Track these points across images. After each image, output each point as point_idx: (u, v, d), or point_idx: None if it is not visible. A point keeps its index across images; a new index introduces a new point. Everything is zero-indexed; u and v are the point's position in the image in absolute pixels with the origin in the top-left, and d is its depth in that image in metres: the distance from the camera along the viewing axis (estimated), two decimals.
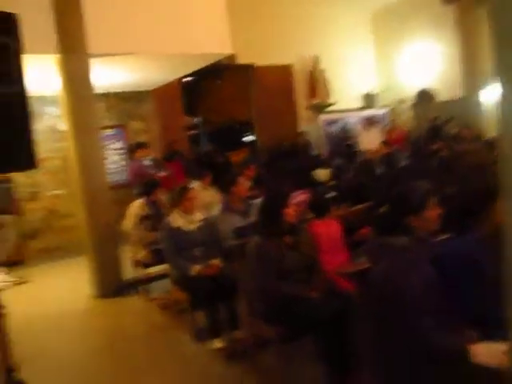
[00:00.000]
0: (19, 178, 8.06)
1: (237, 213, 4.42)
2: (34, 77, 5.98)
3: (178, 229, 4.20)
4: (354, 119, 12.14)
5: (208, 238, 4.28)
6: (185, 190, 4.30)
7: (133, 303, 5.40)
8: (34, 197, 8.25)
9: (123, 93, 9.03)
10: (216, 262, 4.14)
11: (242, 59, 11.36)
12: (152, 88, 9.29)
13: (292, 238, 3.24)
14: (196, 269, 4.03)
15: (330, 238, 3.55)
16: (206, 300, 3.95)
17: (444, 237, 2.88)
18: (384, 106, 12.61)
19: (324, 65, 12.07)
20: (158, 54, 6.35)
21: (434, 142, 9.43)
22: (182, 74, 8.44)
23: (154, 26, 6.10)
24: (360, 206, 4.21)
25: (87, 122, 5.53)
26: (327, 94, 12.31)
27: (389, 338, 2.16)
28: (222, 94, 19.38)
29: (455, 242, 2.33)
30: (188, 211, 4.26)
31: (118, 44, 5.80)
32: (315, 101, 12.22)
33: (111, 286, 5.68)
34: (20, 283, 6.78)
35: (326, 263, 3.39)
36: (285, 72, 11.94)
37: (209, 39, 6.62)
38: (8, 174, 7.87)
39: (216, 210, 4.51)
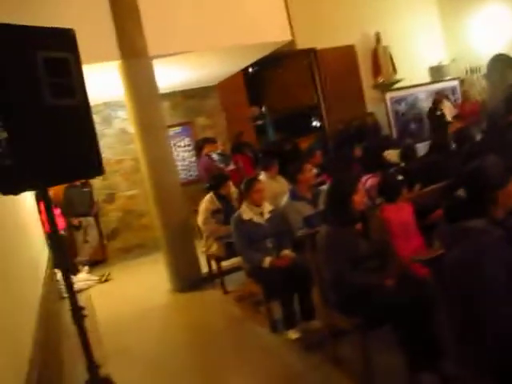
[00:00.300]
0: (96, 181, 8.46)
1: (305, 201, 4.35)
2: (100, 84, 6.24)
3: (249, 221, 4.20)
4: (423, 94, 11.60)
5: (278, 228, 4.25)
6: (252, 182, 4.29)
7: (209, 297, 5.50)
8: (110, 198, 8.63)
9: (188, 90, 9.18)
10: (288, 252, 4.11)
11: (302, 44, 11.18)
12: (216, 83, 9.38)
13: (363, 225, 3.14)
14: (268, 260, 4.02)
15: (402, 222, 3.39)
16: (280, 291, 3.94)
17: None
18: (454, 78, 11.94)
19: (387, 41, 11.61)
20: (216, 48, 6.36)
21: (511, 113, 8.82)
22: (243, 66, 8.45)
23: (209, 21, 6.10)
24: (433, 187, 3.97)
25: (153, 122, 5.66)
26: (393, 71, 11.85)
27: (474, 325, 2.03)
28: (285, 81, 19.26)
29: None
30: (257, 203, 4.25)
31: (177, 43, 5.87)
32: (381, 79, 11.81)
33: (188, 280, 5.82)
34: (103, 281, 7.13)
35: (399, 249, 3.25)
36: (347, 53, 11.62)
37: (267, 27, 6.55)
38: (86, 180, 8.30)
39: (285, 200, 4.45)
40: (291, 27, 10.73)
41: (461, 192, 2.39)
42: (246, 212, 4.24)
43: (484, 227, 2.01)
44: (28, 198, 5.56)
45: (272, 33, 6.57)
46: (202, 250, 5.64)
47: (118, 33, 5.54)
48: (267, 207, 4.32)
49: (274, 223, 4.24)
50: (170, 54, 5.96)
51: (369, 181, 4.67)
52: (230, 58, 7.23)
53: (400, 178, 3.66)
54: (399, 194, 3.51)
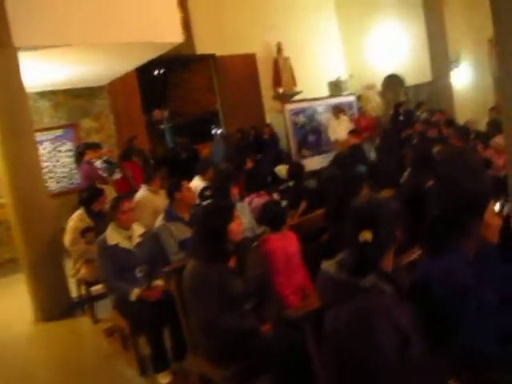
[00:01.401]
0: None
1: (182, 222, 3.89)
2: None
3: (115, 246, 3.64)
4: (321, 108, 11.66)
5: (150, 254, 3.75)
6: (119, 201, 3.72)
7: (77, 327, 4.83)
8: None
9: (73, 89, 8.35)
10: (159, 282, 3.62)
11: (203, 49, 10.79)
12: (106, 83, 8.64)
13: (237, 259, 2.74)
14: (135, 293, 3.50)
15: (287, 254, 3.02)
16: (148, 327, 3.43)
17: (414, 256, 2.44)
18: (352, 93, 12.17)
19: (289, 52, 11.56)
20: (96, 44, 5.71)
21: (403, 129, 9.07)
22: (133, 66, 7.82)
23: (91, 14, 5.46)
24: (318, 212, 3.69)
25: (16, 123, 4.89)
26: (293, 83, 11.82)
27: None
28: (188, 86, 18.77)
29: (441, 263, 1.87)
30: (124, 226, 3.70)
31: (50, 35, 5.16)
32: (281, 90, 11.72)
33: (54, 308, 5.10)
34: None
35: (280, 287, 2.89)
36: (248, 61, 11.39)
37: (156, 27, 6.00)
38: None
39: (159, 221, 3.96)
40: (187, 30, 10.34)
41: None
42: (112, 236, 3.67)
43: (374, 284, 1.69)
44: None
45: (162, 33, 6.05)
46: (70, 274, 4.96)
47: None
48: (137, 230, 3.78)
49: (144, 248, 3.73)
50: (41, 47, 5.22)
51: (254, 200, 4.31)
52: (117, 56, 6.60)
53: (284, 203, 3.26)
54: (284, 222, 3.16)
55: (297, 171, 5.06)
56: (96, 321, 4.79)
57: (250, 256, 2.76)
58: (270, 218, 3.17)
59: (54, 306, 5.12)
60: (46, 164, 8.06)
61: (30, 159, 5.05)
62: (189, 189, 4.02)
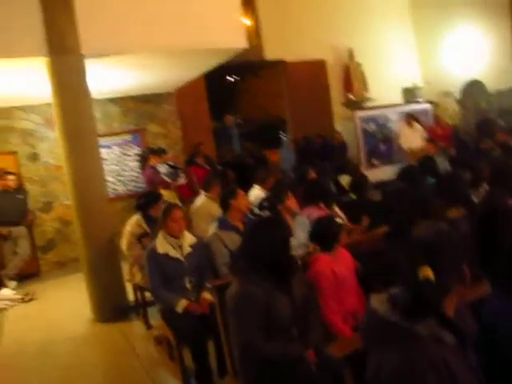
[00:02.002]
0: (32, 188, 7.73)
1: (235, 231, 3.74)
2: (44, 82, 5.54)
3: (164, 255, 3.56)
4: (394, 115, 11.17)
5: (199, 264, 3.64)
6: (170, 208, 3.64)
7: (130, 332, 4.83)
8: (47, 207, 7.89)
9: (141, 96, 8.52)
10: (207, 296, 3.47)
11: (273, 54, 10.69)
12: (173, 89, 8.76)
13: (286, 278, 2.51)
14: (182, 305, 3.39)
15: (338, 276, 2.76)
16: (192, 342, 3.31)
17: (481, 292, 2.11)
18: (427, 101, 11.56)
19: (360, 58, 11.18)
20: (160, 51, 5.75)
21: (483, 139, 8.43)
22: (199, 72, 7.82)
23: (157, 22, 5.51)
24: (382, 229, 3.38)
25: (80, 127, 4.99)
26: (364, 89, 11.42)
27: None
28: (257, 92, 18.81)
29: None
30: (175, 234, 3.61)
31: (115, 43, 5.24)
32: (351, 97, 11.36)
33: (111, 309, 5.16)
34: (26, 301, 6.39)
35: (328, 312, 2.64)
36: (318, 67, 11.15)
37: (219, 33, 5.94)
38: (20, 184, 7.57)
39: (212, 229, 3.84)
40: (256, 36, 10.29)
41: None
42: (162, 244, 3.60)
43: (432, 331, 1.41)
44: None
45: (227, 39, 5.98)
46: (127, 279, 4.98)
47: (46, 25, 4.88)
48: (188, 239, 3.68)
49: (194, 258, 3.62)
50: (106, 54, 5.31)
51: (313, 214, 4.07)
52: (182, 62, 6.62)
53: (340, 220, 2.99)
54: (336, 241, 2.90)
55: (360, 183, 4.72)
56: (149, 327, 4.76)
57: (298, 275, 2.52)
58: (320, 235, 2.95)
59: (111, 307, 5.18)
60: (114, 167, 8.29)
61: (93, 164, 5.15)
62: (244, 196, 3.88)
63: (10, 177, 7.12)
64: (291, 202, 3.93)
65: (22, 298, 6.44)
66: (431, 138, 8.93)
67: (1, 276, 7.07)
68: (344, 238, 2.96)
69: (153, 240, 4.01)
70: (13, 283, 7.03)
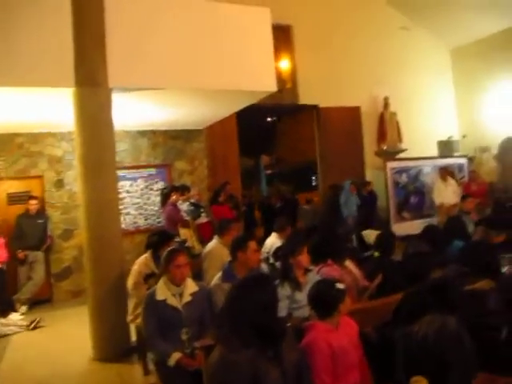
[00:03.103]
0: (54, 214, 7.75)
1: None
2: (51, 110, 5.63)
3: (162, 302, 3.37)
4: (428, 168, 10.86)
5: (199, 315, 3.43)
6: (173, 253, 3.46)
7: (128, 376, 4.61)
8: (68, 234, 7.86)
9: (172, 131, 8.56)
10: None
11: (308, 99, 10.66)
12: (203, 127, 8.77)
13: (274, 344, 2.27)
14: (175, 358, 3.17)
15: (336, 349, 2.44)
16: None
17: None
18: (463, 155, 11.22)
19: (396, 107, 11.02)
20: (193, 89, 5.73)
21: None
22: (229, 112, 7.81)
23: (188, 60, 5.53)
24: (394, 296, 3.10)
25: (100, 159, 4.95)
26: (398, 139, 11.20)
27: None
28: (293, 134, 18.86)
29: None
30: (177, 281, 3.42)
31: (143, 78, 5.26)
32: (384, 146, 11.14)
33: (112, 349, 4.97)
34: (31, 329, 6.27)
35: None
36: (352, 114, 11.03)
37: (250, 75, 5.93)
38: (43, 210, 7.60)
39: (215, 279, 3.65)
40: (292, 79, 10.29)
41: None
42: (162, 290, 3.41)
43: None
44: None
45: (256, 82, 5.94)
46: (129, 319, 4.79)
47: (76, 59, 4.92)
48: (190, 287, 3.47)
49: (194, 308, 3.41)
50: (134, 89, 5.32)
51: (322, 270, 3.83)
52: (212, 101, 6.61)
53: (340, 286, 2.66)
54: (335, 309, 2.56)
55: (387, 242, 4.38)
56: (146, 372, 4.52)
57: (290, 344, 2.27)
58: (317, 301, 2.63)
59: (112, 347, 5.00)
60: (137, 200, 8.25)
61: (109, 197, 5.07)
62: (255, 250, 3.66)
63: (33, 201, 7.17)
64: (304, 257, 3.69)
65: (28, 325, 6.33)
66: (467, 194, 8.56)
67: (13, 300, 7.03)
68: (348, 305, 2.65)
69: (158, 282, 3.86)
70: (24, 308, 6.98)
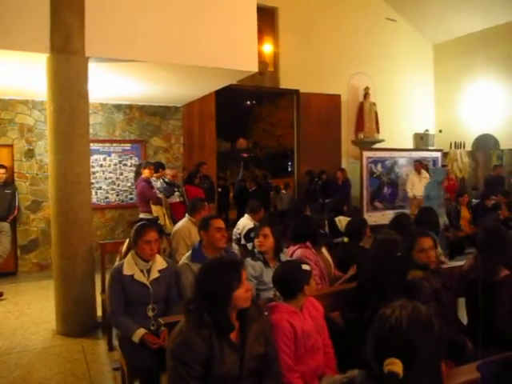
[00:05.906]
0: (22, 185, 7.54)
1: None
2: (23, 76, 5.44)
3: (129, 277, 3.31)
4: (403, 160, 10.96)
5: (166, 293, 3.38)
6: (143, 228, 3.39)
7: (91, 352, 4.52)
8: (36, 206, 7.67)
9: (149, 106, 8.39)
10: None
11: (288, 84, 10.60)
12: (181, 104, 8.62)
13: (240, 331, 2.21)
14: (139, 334, 3.12)
15: (299, 331, 2.40)
16: (144, 375, 3.03)
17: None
18: (438, 149, 11.36)
19: (375, 98, 11.06)
20: (170, 64, 5.58)
21: (488, 197, 8.16)
22: (208, 91, 7.69)
23: (168, 34, 5.38)
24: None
25: (71, 130, 4.80)
26: (376, 130, 11.26)
27: None
28: (271, 119, 18.78)
29: None
30: (145, 256, 3.35)
31: (122, 49, 5.10)
32: (362, 135, 11.19)
33: (76, 323, 4.88)
34: None
35: (286, 370, 2.35)
36: (332, 101, 11.03)
37: (235, 55, 5.82)
38: (12, 180, 7.39)
39: (183, 259, 3.59)
40: (276, 64, 10.21)
41: None
42: (130, 265, 3.34)
43: None
44: None
45: (236, 61, 5.84)
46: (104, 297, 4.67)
47: (52, 24, 4.73)
48: (158, 264, 3.42)
49: (161, 285, 3.36)
50: (111, 59, 5.16)
51: (296, 252, 3.82)
52: (190, 78, 6.48)
53: (306, 267, 2.61)
54: (300, 290, 2.49)
55: (357, 229, 4.39)
56: (111, 348, 4.46)
57: (255, 327, 2.22)
58: (282, 281, 2.56)
59: (77, 321, 4.91)
60: (110, 175, 8.10)
61: (80, 171, 4.92)
62: (218, 229, 3.58)
63: (1, 170, 6.95)
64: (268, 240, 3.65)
65: None
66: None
67: None
68: (313, 287, 2.62)
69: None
70: None
